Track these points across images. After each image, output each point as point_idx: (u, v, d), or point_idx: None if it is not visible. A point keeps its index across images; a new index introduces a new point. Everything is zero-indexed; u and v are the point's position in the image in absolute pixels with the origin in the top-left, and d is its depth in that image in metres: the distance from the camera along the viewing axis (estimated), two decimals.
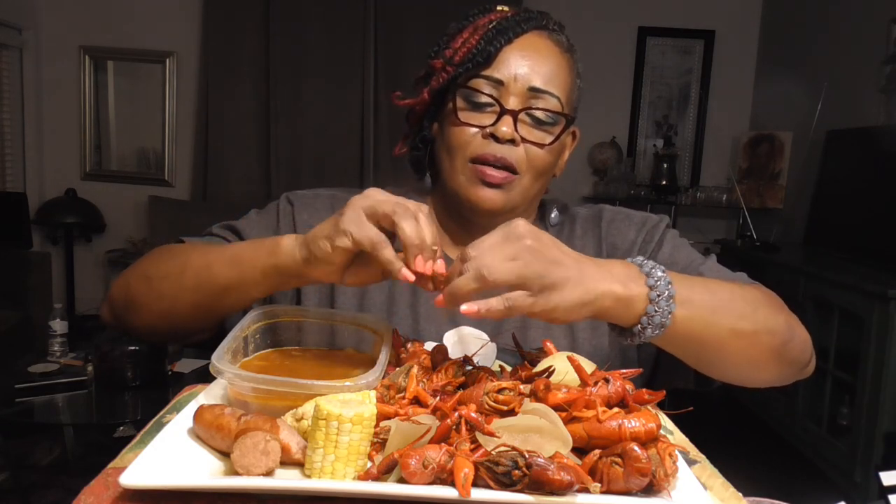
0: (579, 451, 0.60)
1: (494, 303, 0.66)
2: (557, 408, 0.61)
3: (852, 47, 3.56)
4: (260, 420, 0.59)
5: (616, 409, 0.62)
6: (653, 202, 4.35)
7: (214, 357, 0.68)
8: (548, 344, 0.78)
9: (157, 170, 4.58)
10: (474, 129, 0.91)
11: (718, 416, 3.48)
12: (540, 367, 0.72)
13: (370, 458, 0.60)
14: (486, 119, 0.91)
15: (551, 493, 0.53)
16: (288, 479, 0.58)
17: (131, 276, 0.93)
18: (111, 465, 0.62)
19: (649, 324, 0.71)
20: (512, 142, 0.90)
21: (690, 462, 0.67)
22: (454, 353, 0.82)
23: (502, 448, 0.56)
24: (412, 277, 0.71)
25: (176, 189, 4.55)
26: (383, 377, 0.70)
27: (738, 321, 0.78)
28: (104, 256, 4.49)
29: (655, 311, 0.71)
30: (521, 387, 0.65)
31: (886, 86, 3.24)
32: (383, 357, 0.72)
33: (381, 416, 0.62)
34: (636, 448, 0.56)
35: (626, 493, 0.56)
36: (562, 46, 0.94)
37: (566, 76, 0.94)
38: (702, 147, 4.59)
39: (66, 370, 2.52)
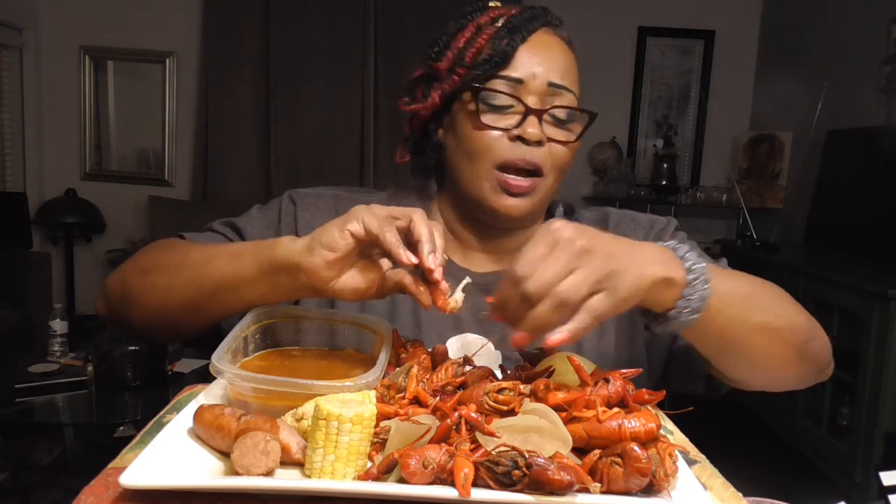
0: (579, 451, 0.60)
1: (582, 321, 0.63)
2: (557, 408, 0.61)
3: (852, 47, 3.56)
4: (260, 420, 0.59)
5: (616, 409, 0.62)
6: (653, 202, 4.35)
7: (214, 357, 0.68)
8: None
9: (157, 170, 4.58)
10: (497, 133, 0.88)
11: (718, 416, 3.47)
12: (540, 367, 0.72)
13: (370, 458, 0.60)
14: (508, 121, 0.88)
15: (551, 493, 0.53)
16: (288, 479, 0.58)
17: (128, 268, 0.92)
18: (111, 465, 0.62)
19: (686, 307, 0.70)
20: (538, 142, 0.88)
21: (690, 462, 0.67)
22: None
23: (502, 448, 0.56)
24: (414, 259, 0.70)
25: (176, 189, 4.55)
26: (383, 377, 0.70)
27: (766, 314, 0.77)
28: (104, 256, 4.49)
29: (692, 295, 0.70)
30: (521, 387, 0.65)
31: (886, 86, 3.24)
32: (383, 357, 0.72)
33: (381, 416, 0.62)
34: (636, 448, 0.56)
35: (626, 493, 0.56)
36: (567, 42, 0.94)
37: (576, 72, 0.93)
38: (702, 147, 4.59)
39: (66, 370, 2.52)
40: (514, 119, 0.88)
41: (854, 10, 3.58)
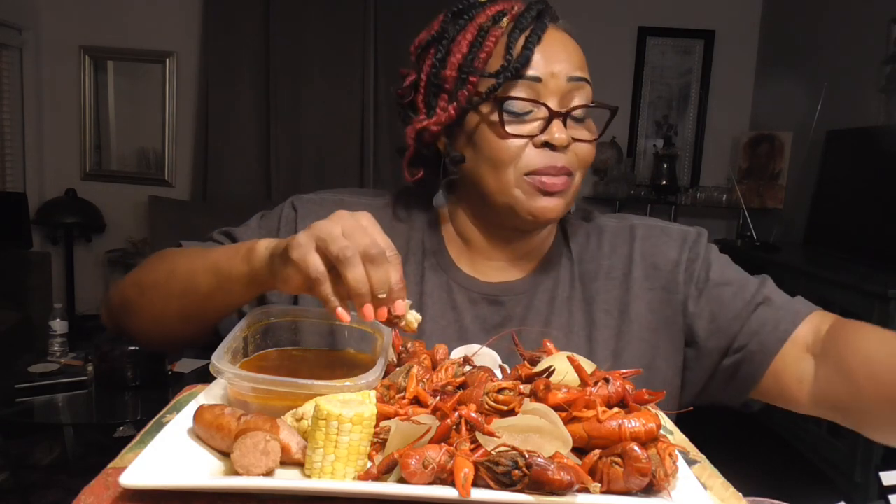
0: (579, 451, 0.60)
1: None
2: (557, 408, 0.61)
3: (852, 47, 3.55)
4: (260, 420, 0.59)
5: (616, 409, 0.62)
6: (653, 202, 4.35)
7: (214, 357, 0.68)
8: (548, 344, 0.78)
9: (157, 170, 4.58)
10: (522, 140, 0.85)
11: (718, 416, 3.47)
12: (540, 367, 0.72)
13: (370, 458, 0.60)
14: (532, 126, 0.85)
15: (551, 493, 0.53)
16: (288, 479, 0.58)
17: (126, 282, 0.93)
18: (111, 465, 0.62)
19: None
20: (566, 146, 0.85)
21: (690, 462, 0.67)
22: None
23: (502, 448, 0.56)
24: (346, 318, 0.69)
25: (176, 189, 4.55)
26: (383, 377, 0.70)
27: None
28: (104, 256, 4.49)
29: None
30: (521, 387, 0.65)
31: (886, 86, 3.24)
32: (383, 357, 0.72)
33: (381, 416, 0.62)
34: (636, 448, 0.56)
35: (626, 493, 0.56)
36: (572, 35, 0.90)
37: (586, 66, 0.90)
38: (702, 147, 4.59)
39: (66, 370, 2.52)
40: (538, 124, 0.85)
41: (854, 10, 3.58)
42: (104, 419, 2.41)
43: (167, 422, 0.66)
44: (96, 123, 4.56)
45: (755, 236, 3.78)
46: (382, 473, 0.57)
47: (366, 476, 0.57)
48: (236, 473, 0.57)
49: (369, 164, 4.53)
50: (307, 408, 0.63)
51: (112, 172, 4.59)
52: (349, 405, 0.58)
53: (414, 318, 0.71)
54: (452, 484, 0.54)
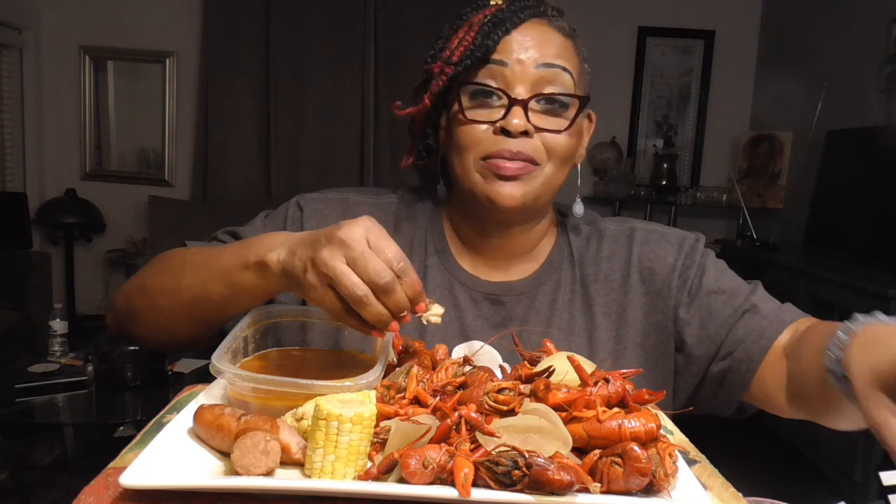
0: (579, 451, 0.60)
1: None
2: (557, 408, 0.61)
3: (852, 47, 3.55)
4: (260, 420, 0.59)
5: (616, 409, 0.62)
6: (653, 202, 4.35)
7: (214, 357, 0.68)
8: (548, 344, 0.78)
9: (157, 170, 4.58)
10: (483, 126, 0.86)
11: (718, 417, 3.47)
12: (540, 367, 0.72)
13: (370, 458, 0.60)
14: (495, 113, 0.86)
15: (551, 493, 0.53)
16: (288, 479, 0.58)
17: (132, 287, 0.93)
18: (111, 465, 0.62)
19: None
20: (525, 134, 0.85)
21: (690, 462, 0.67)
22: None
23: (502, 448, 0.56)
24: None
25: (176, 189, 4.55)
26: (383, 377, 0.70)
27: None
28: (104, 256, 4.49)
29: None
30: (521, 387, 0.65)
31: (886, 86, 3.24)
32: (383, 357, 0.72)
33: (381, 416, 0.62)
34: (636, 448, 0.56)
35: (626, 493, 0.56)
36: (563, 31, 0.90)
37: (573, 57, 0.89)
38: (702, 147, 4.59)
39: (66, 370, 2.52)
40: (500, 112, 0.86)
41: (854, 10, 3.58)
42: (104, 419, 2.40)
43: (167, 422, 0.66)
44: (96, 123, 4.56)
45: (755, 236, 3.78)
46: (382, 473, 0.57)
47: (366, 476, 0.57)
48: (236, 473, 0.57)
49: (369, 164, 4.53)
50: (307, 408, 0.63)
51: (112, 172, 4.59)
52: (349, 405, 0.58)
53: (436, 313, 0.72)
54: (452, 484, 0.54)
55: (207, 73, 4.40)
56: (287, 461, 0.59)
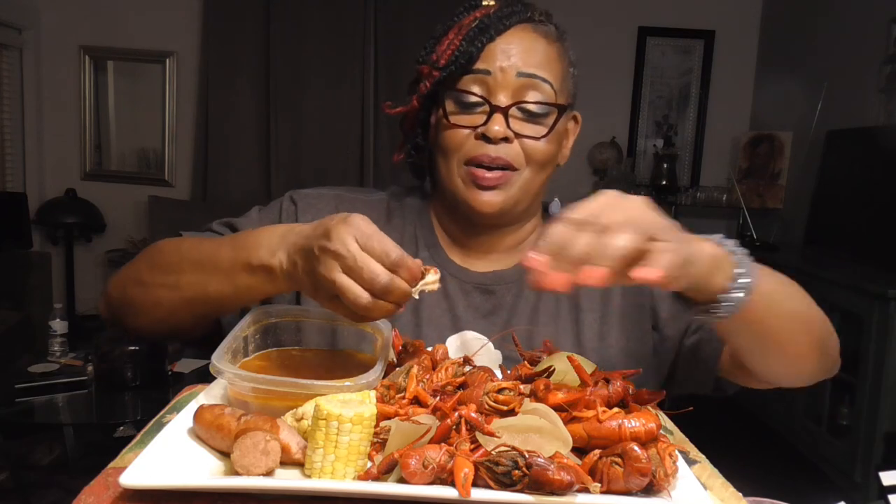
0: (579, 451, 0.60)
1: (670, 258, 0.60)
2: (557, 408, 0.61)
3: (852, 47, 3.55)
4: (260, 420, 0.59)
5: (616, 409, 0.62)
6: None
7: (214, 357, 0.68)
8: (548, 344, 0.78)
9: (157, 170, 4.58)
10: (466, 131, 0.90)
11: (718, 417, 3.47)
12: (540, 367, 0.72)
13: (370, 458, 0.60)
14: (477, 119, 0.90)
15: (551, 493, 0.53)
16: (288, 479, 0.58)
17: (128, 278, 0.92)
18: (111, 465, 0.62)
19: (736, 287, 0.69)
20: (506, 140, 0.88)
21: (690, 462, 0.67)
22: (456, 357, 0.82)
23: (502, 448, 0.56)
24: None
25: (176, 189, 4.55)
26: (383, 377, 0.70)
27: (799, 305, 0.81)
28: (104, 256, 4.49)
29: (740, 279, 0.70)
30: (521, 387, 0.65)
31: (886, 86, 3.24)
32: (383, 357, 0.72)
33: (381, 416, 0.62)
34: (636, 448, 0.56)
35: (626, 493, 0.56)
36: (550, 36, 0.93)
37: (556, 64, 0.92)
38: (702, 147, 4.59)
39: (66, 370, 2.52)
40: (482, 117, 0.89)
41: (854, 10, 3.58)
42: (104, 419, 2.40)
43: (167, 422, 0.66)
44: (96, 123, 4.55)
45: (755, 236, 3.78)
46: (382, 473, 0.57)
47: (366, 476, 0.57)
48: (236, 473, 0.57)
49: (369, 164, 4.53)
50: (307, 408, 0.63)
51: (112, 172, 4.59)
52: (349, 405, 0.58)
53: (431, 281, 0.72)
54: (452, 484, 0.54)
55: (207, 73, 4.40)
56: (287, 461, 0.59)
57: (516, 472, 0.53)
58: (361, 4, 4.38)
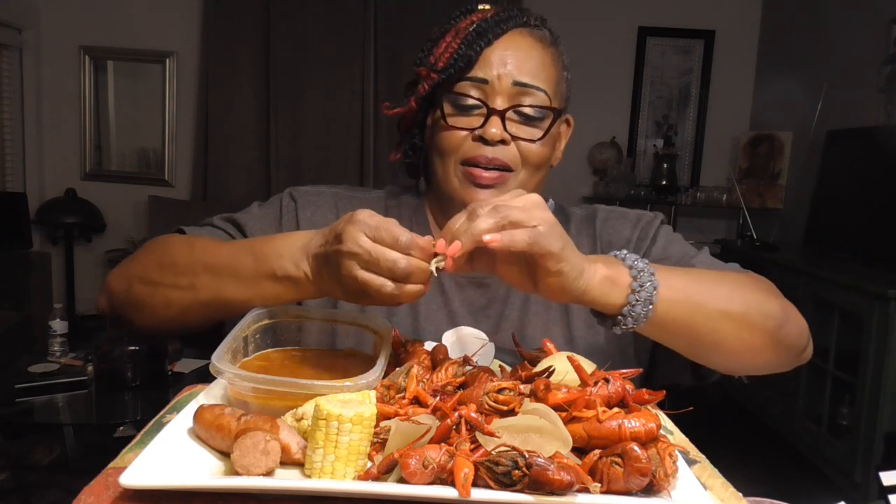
0: (579, 451, 0.60)
1: (518, 235, 0.67)
2: (557, 408, 0.61)
3: (852, 47, 3.55)
4: (260, 420, 0.59)
5: (616, 409, 0.62)
6: (653, 202, 4.35)
7: (214, 357, 0.68)
8: (547, 344, 0.79)
9: (157, 170, 4.58)
10: (464, 133, 0.92)
11: (718, 416, 3.48)
12: (540, 367, 0.72)
13: (370, 458, 0.60)
14: (475, 121, 0.92)
15: (551, 493, 0.53)
16: (288, 479, 0.58)
17: (132, 275, 0.91)
18: (111, 465, 0.62)
19: (637, 301, 0.73)
20: (502, 142, 0.91)
21: (690, 462, 0.67)
22: (453, 352, 0.83)
23: (502, 448, 0.56)
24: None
25: (176, 189, 4.55)
26: (383, 377, 0.70)
27: (727, 304, 0.80)
28: (104, 256, 4.49)
29: (640, 289, 0.73)
30: (521, 387, 0.65)
31: (886, 86, 3.24)
32: (383, 357, 0.72)
33: (381, 416, 0.62)
34: (636, 448, 0.56)
35: (626, 493, 0.56)
36: (545, 41, 0.95)
37: (551, 69, 0.94)
38: (702, 147, 4.59)
39: (66, 370, 2.52)
40: (479, 119, 0.91)
41: (854, 11, 3.58)
42: (104, 419, 2.40)
43: (167, 422, 0.66)
44: (96, 123, 4.55)
45: (755, 236, 3.78)
46: (382, 473, 0.57)
47: (366, 476, 0.57)
48: (236, 473, 0.57)
49: (369, 164, 4.54)
50: (307, 408, 0.63)
51: (112, 172, 4.59)
52: (349, 405, 0.58)
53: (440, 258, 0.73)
54: (452, 484, 0.54)
55: (207, 73, 4.40)
56: (287, 461, 0.59)
57: (516, 472, 0.53)
58: (361, 5, 4.38)
